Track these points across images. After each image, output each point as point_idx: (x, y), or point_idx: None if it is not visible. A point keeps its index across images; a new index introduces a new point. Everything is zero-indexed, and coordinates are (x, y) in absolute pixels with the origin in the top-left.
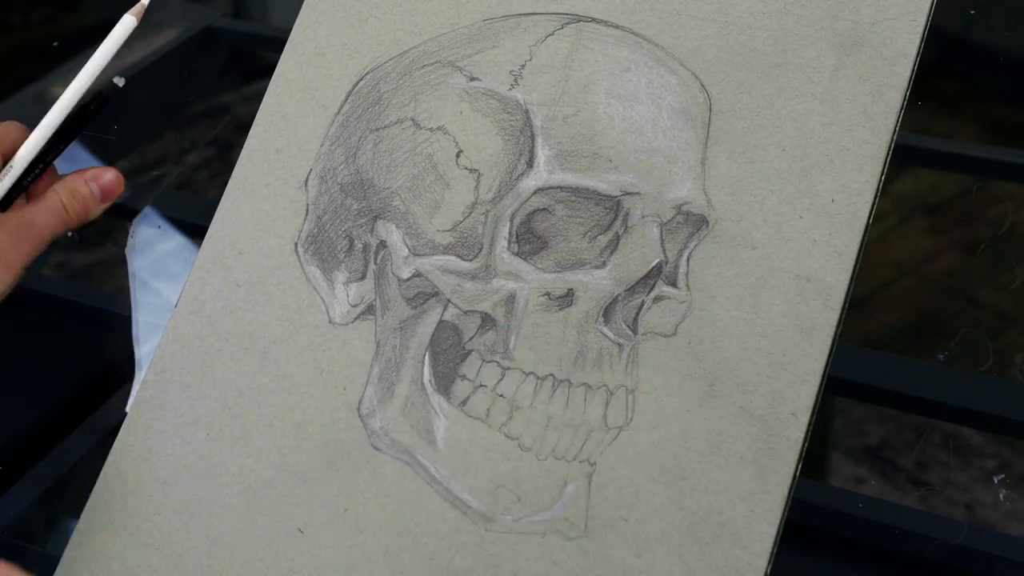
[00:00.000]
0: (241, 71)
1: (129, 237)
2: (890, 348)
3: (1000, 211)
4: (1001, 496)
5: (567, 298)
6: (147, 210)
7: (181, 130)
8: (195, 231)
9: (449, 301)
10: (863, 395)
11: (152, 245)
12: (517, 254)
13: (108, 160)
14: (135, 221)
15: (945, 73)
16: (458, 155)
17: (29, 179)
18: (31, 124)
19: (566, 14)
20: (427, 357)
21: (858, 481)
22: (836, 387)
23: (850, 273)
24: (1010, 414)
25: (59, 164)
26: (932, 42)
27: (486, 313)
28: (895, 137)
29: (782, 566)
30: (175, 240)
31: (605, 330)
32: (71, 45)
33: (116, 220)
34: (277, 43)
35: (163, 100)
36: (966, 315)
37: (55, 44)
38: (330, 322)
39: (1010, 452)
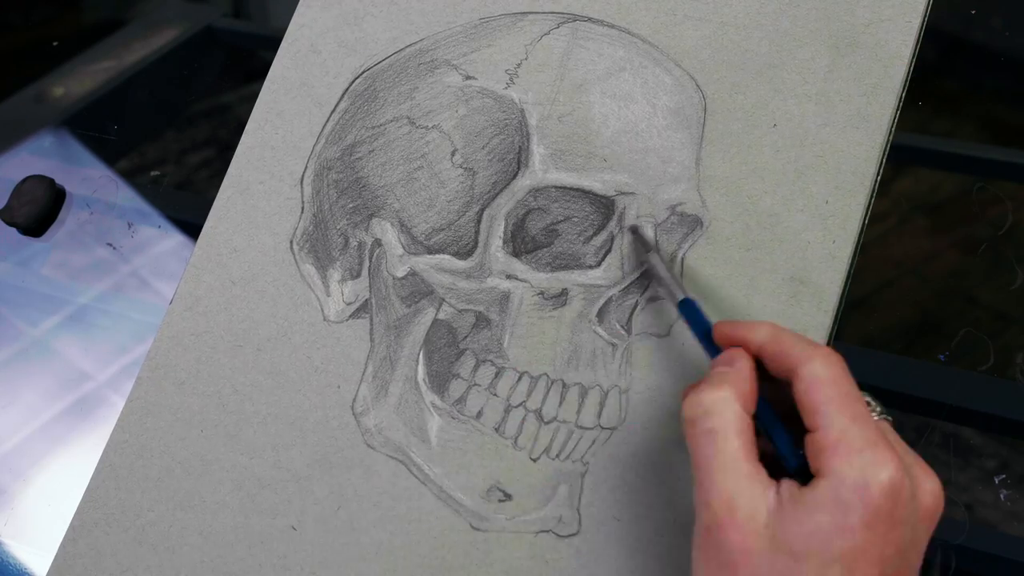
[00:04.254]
0: (241, 71)
1: (129, 237)
2: (890, 348)
3: (1000, 211)
4: (1001, 496)
5: (561, 298)
6: (147, 210)
7: (181, 130)
8: (195, 231)
9: (443, 300)
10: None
11: (152, 245)
12: (512, 253)
13: (108, 160)
14: (135, 221)
15: (945, 73)
16: (453, 153)
17: None
18: (31, 124)
19: (562, 13)
20: (421, 356)
21: None
22: None
23: (843, 275)
24: (1010, 414)
25: (60, 164)
26: (932, 42)
27: (480, 312)
28: (890, 139)
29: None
30: (175, 239)
31: (599, 330)
32: (71, 45)
33: (116, 220)
34: (277, 43)
35: (163, 100)
36: (966, 315)
37: (55, 44)
38: (325, 320)
39: (1010, 452)
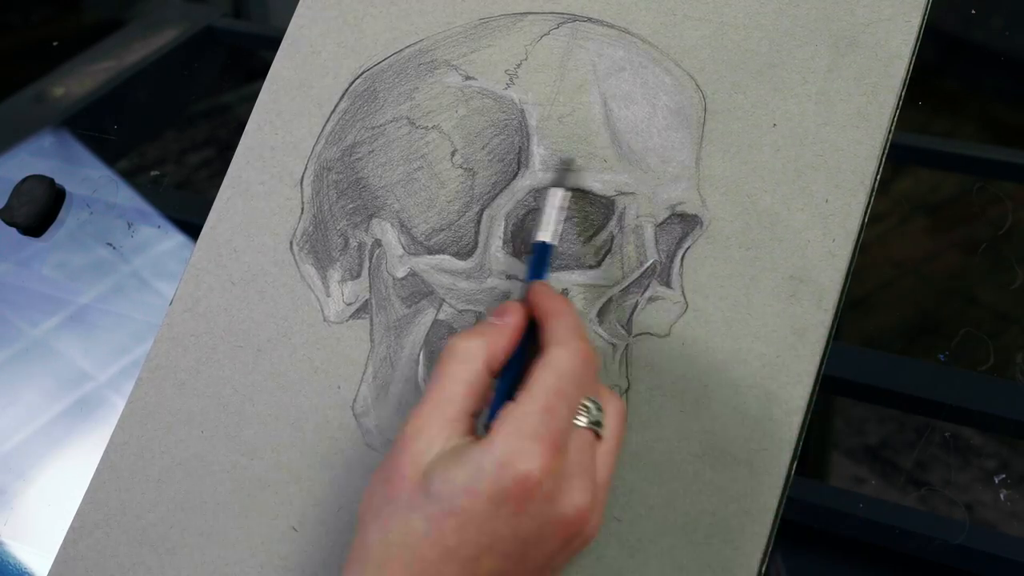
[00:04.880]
0: (241, 71)
1: (129, 237)
2: (890, 348)
3: (1000, 211)
4: (1001, 496)
5: None
6: (147, 210)
7: (181, 130)
8: (195, 231)
9: (443, 300)
10: (863, 395)
11: (152, 245)
12: (511, 253)
13: (108, 160)
14: (135, 221)
15: (945, 73)
16: (453, 154)
17: None
18: (31, 124)
19: (561, 14)
20: (421, 356)
21: (858, 481)
22: (836, 387)
23: (843, 274)
24: (1010, 414)
25: (60, 164)
26: (932, 42)
27: (480, 313)
28: (890, 138)
29: (782, 566)
30: (175, 240)
31: (599, 330)
32: (71, 45)
33: (116, 220)
34: (277, 43)
35: (163, 100)
36: (966, 315)
37: (55, 44)
38: (325, 320)
39: (1010, 452)
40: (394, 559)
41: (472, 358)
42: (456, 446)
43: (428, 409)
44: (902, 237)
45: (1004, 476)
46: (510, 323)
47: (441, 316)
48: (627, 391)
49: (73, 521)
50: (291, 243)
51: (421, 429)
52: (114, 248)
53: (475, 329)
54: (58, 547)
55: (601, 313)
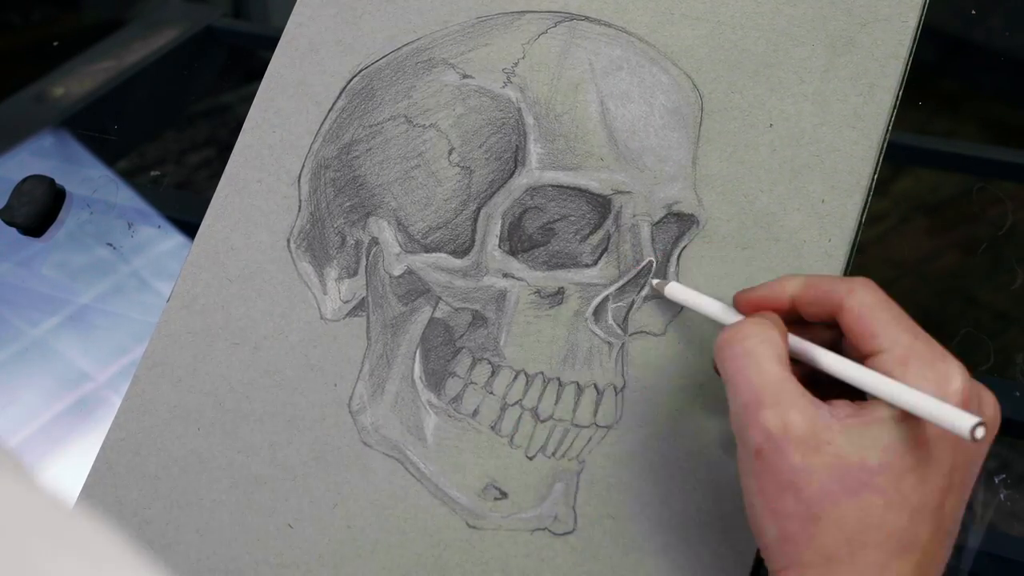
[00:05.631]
0: (241, 71)
1: (129, 237)
2: None
3: (1000, 211)
4: (1001, 496)
5: (557, 296)
6: (147, 210)
7: (181, 130)
8: (195, 231)
9: (440, 298)
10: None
11: (152, 245)
12: (508, 252)
13: (108, 160)
14: (135, 221)
15: (945, 73)
16: (450, 152)
17: None
18: (31, 124)
19: (559, 12)
20: (418, 354)
21: None
22: None
23: (840, 274)
24: (1010, 414)
25: (60, 164)
26: (932, 42)
27: (477, 310)
28: (887, 138)
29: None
30: (175, 239)
31: (595, 328)
32: (71, 45)
33: (116, 220)
34: (277, 43)
35: (163, 100)
36: (966, 315)
37: (55, 44)
38: (321, 318)
39: (1010, 452)
40: (866, 544)
41: (771, 334)
42: (846, 413)
43: (772, 395)
44: (902, 237)
45: (1004, 476)
46: (775, 315)
47: (437, 314)
48: (623, 389)
49: None
50: (288, 241)
51: (786, 416)
52: (114, 248)
53: (748, 319)
54: None
55: (597, 312)
